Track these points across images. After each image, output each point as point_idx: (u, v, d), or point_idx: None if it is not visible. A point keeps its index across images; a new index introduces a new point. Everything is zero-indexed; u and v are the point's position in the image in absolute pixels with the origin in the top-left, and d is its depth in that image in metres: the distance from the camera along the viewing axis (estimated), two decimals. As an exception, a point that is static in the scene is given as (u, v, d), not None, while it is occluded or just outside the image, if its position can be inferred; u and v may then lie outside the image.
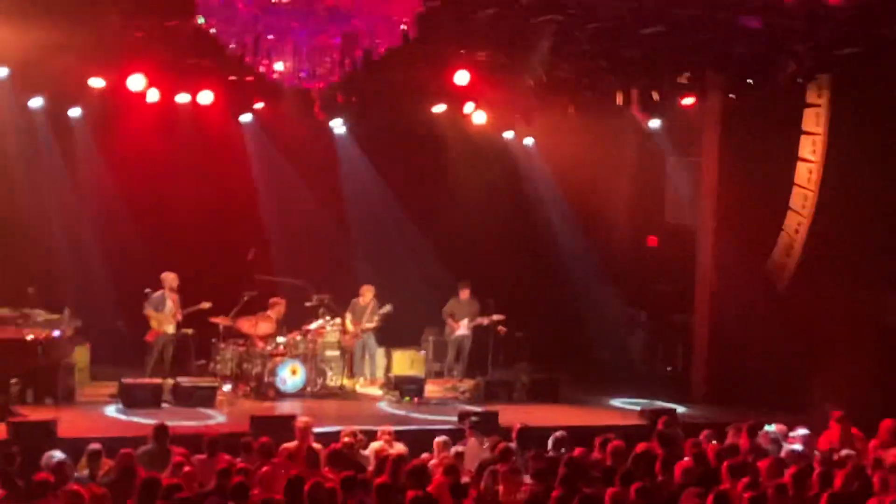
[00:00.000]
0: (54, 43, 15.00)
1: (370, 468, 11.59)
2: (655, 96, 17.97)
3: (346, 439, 12.62)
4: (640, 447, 12.28)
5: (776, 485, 10.45)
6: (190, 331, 18.18)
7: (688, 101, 18.45)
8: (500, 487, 11.13)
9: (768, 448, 12.81)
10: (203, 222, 19.70)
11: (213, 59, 16.55)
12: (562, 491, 10.36)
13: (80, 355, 17.32)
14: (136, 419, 15.37)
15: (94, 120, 19.04)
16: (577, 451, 12.06)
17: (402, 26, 10.20)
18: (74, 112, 18.94)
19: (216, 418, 15.91)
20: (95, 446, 11.52)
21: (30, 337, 15.51)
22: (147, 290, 17.45)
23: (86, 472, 11.07)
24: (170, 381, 16.92)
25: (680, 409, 16.91)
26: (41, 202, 18.97)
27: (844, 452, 12.44)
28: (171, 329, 17.60)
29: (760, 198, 18.20)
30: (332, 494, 10.11)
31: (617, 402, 18.37)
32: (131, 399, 16.16)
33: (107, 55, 16.33)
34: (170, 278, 17.64)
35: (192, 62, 17.19)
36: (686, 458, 11.72)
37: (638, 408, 17.26)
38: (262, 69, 10.52)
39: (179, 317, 17.62)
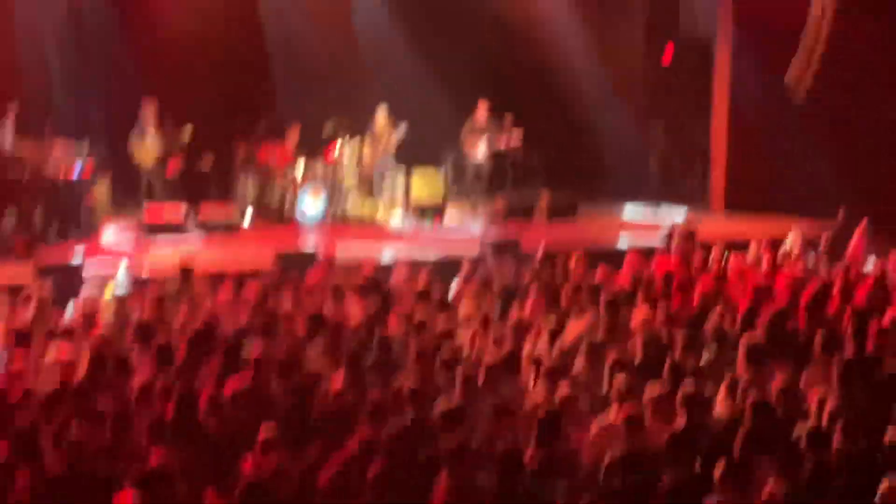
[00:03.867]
0: None
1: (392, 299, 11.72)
2: None
3: (369, 270, 12.74)
4: (661, 268, 12.46)
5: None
6: (210, 159, 18.11)
7: None
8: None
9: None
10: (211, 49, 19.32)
11: None
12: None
13: (102, 187, 17.36)
14: (160, 252, 15.45)
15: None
16: (599, 274, 12.22)
17: None
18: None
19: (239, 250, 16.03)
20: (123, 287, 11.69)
21: (51, 173, 15.52)
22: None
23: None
24: (191, 210, 16.96)
25: (699, 221, 16.94)
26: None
27: (868, 263, 12.59)
28: (150, 160, 17.39)
29: (782, 5, 17.86)
30: (354, 330, 10.33)
31: (636, 217, 18.44)
32: (154, 232, 16.28)
33: None
34: (147, 109, 17.40)
35: None
36: (705, 277, 11.89)
37: (657, 221, 17.37)
38: None
39: (166, 147, 17.37)
